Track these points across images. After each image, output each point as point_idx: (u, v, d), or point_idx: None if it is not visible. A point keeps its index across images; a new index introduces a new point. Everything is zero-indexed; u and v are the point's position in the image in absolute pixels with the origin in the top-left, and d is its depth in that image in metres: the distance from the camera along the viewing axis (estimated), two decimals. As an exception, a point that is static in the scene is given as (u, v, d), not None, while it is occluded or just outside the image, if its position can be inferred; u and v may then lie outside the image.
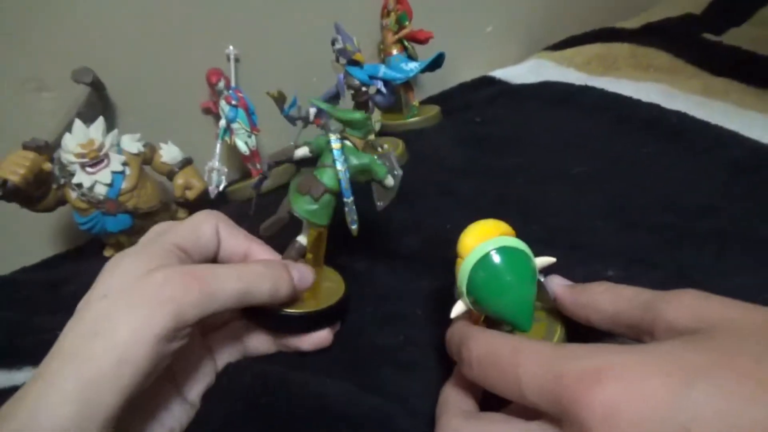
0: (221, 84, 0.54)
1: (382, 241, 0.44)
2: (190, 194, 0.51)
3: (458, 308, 0.27)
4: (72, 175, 0.44)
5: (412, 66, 0.61)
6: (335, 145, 0.31)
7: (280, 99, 0.52)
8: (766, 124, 0.51)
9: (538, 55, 0.76)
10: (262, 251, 0.32)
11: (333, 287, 0.34)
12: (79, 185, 0.44)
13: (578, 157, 0.49)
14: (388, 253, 0.42)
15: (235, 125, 0.54)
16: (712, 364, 0.18)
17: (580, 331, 0.28)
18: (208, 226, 0.31)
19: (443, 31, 0.70)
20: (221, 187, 0.55)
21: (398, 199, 0.49)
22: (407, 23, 0.61)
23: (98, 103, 0.53)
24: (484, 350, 0.24)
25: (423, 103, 0.68)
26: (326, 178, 0.32)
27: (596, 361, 0.20)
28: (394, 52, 0.62)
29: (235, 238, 0.32)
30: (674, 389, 0.18)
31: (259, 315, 0.31)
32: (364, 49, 0.66)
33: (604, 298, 0.26)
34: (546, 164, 0.49)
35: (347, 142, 0.32)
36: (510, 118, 0.58)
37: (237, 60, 0.58)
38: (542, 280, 0.29)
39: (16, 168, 0.41)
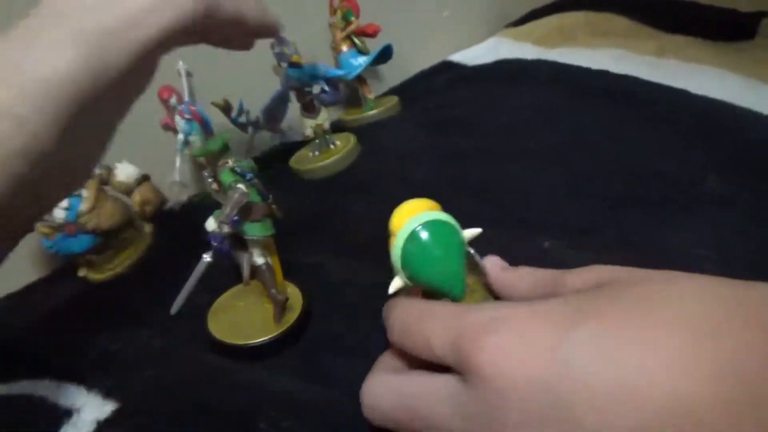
0: (173, 99, 0.54)
1: (335, 234, 0.44)
2: (148, 209, 0.52)
3: (395, 284, 0.28)
4: None
5: (361, 61, 0.61)
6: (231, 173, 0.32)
7: (225, 107, 0.53)
8: (719, 78, 0.51)
9: (498, 33, 0.76)
10: None
11: (292, 305, 0.35)
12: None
13: (533, 132, 0.49)
14: (341, 245, 0.42)
15: (192, 138, 0.54)
16: (593, 310, 0.20)
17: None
18: None
19: (399, 21, 0.70)
20: (183, 199, 0.55)
21: (353, 191, 0.49)
22: (353, 19, 0.61)
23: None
24: (401, 315, 0.25)
25: (384, 94, 0.68)
26: (253, 196, 0.33)
27: (490, 313, 0.21)
28: (344, 48, 0.61)
29: None
30: (557, 332, 0.19)
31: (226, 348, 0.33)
32: (318, 50, 0.66)
33: (523, 281, 0.28)
34: (501, 143, 0.49)
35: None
36: (467, 101, 0.58)
37: (189, 74, 0.58)
38: (472, 252, 0.30)
39: None
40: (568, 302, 0.21)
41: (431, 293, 0.28)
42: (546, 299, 0.22)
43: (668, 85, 0.50)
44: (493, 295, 0.30)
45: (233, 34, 0.33)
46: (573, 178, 0.42)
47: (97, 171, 0.49)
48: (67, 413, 0.31)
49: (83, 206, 0.46)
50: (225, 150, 0.33)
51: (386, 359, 0.27)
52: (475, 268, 0.31)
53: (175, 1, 0.26)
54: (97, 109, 0.24)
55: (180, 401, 0.30)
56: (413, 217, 0.27)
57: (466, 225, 0.29)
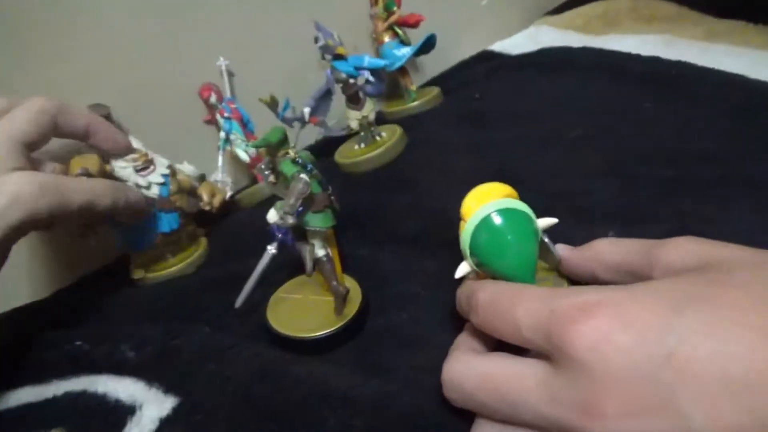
0: (213, 98, 0.55)
1: (383, 227, 0.44)
2: (216, 201, 0.52)
3: (463, 269, 0.28)
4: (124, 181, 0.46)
5: (405, 51, 0.61)
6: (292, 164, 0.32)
7: (272, 104, 0.53)
8: (772, 61, 0.49)
9: (538, 21, 0.75)
10: (101, 124, 0.41)
11: (351, 297, 0.35)
12: (137, 186, 0.45)
13: (576, 120, 0.48)
14: (390, 237, 0.42)
15: (232, 136, 0.55)
16: (701, 295, 0.19)
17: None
18: (44, 117, 0.36)
19: (437, 11, 0.70)
20: (227, 197, 0.56)
21: (398, 184, 0.49)
22: (395, 8, 0.60)
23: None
24: (489, 296, 0.25)
25: (424, 85, 0.68)
26: (314, 187, 0.33)
27: (586, 296, 0.20)
28: (386, 39, 0.61)
29: (72, 116, 0.38)
30: (662, 316, 0.18)
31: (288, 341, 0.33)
32: (359, 41, 0.66)
33: (607, 250, 0.27)
34: (544, 131, 0.48)
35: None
36: (508, 90, 0.57)
37: (230, 72, 0.58)
38: (546, 241, 0.30)
39: (88, 164, 0.43)
40: (672, 285, 0.20)
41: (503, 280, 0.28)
42: (645, 283, 0.21)
43: (720, 69, 0.48)
44: (566, 278, 0.30)
45: (82, 219, 0.41)
46: (616, 163, 0.41)
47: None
48: (130, 410, 0.31)
49: (172, 186, 0.47)
50: (284, 141, 0.33)
51: (466, 339, 0.27)
52: (546, 257, 0.30)
53: (22, 202, 0.31)
54: None
55: (241, 396, 0.30)
56: (487, 204, 0.27)
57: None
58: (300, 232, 0.33)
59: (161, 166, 0.47)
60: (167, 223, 0.45)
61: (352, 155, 0.54)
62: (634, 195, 0.38)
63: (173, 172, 0.47)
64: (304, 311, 0.35)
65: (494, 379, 0.22)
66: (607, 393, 0.18)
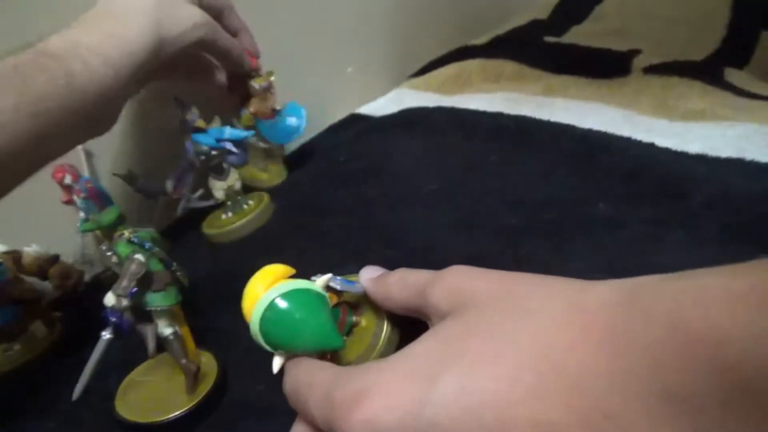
0: (67, 179, 0.53)
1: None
2: (69, 282, 0.50)
3: (276, 363, 0.28)
4: None
5: (298, 122, 0.60)
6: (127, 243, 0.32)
7: (129, 177, 0.52)
8: (600, 112, 0.55)
9: (402, 84, 0.79)
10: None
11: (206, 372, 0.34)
12: None
13: (431, 176, 0.51)
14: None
15: (91, 216, 0.53)
16: (452, 353, 0.20)
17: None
18: None
19: (307, 78, 0.72)
20: (86, 278, 0.54)
21: (266, 251, 0.50)
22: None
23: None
24: (291, 385, 0.26)
25: (295, 152, 0.69)
26: (153, 265, 0.32)
27: (358, 383, 0.21)
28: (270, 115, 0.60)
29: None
30: (419, 389, 0.20)
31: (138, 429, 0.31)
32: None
33: (395, 288, 0.28)
34: (403, 188, 0.51)
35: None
36: (372, 151, 0.60)
37: (88, 153, 0.57)
38: (338, 287, 0.30)
39: None
40: (430, 347, 0.22)
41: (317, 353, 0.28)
42: (404, 351, 0.22)
43: (555, 121, 0.53)
44: (387, 315, 0.30)
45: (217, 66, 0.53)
46: (467, 215, 0.44)
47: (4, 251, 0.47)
48: None
49: (8, 276, 0.44)
50: (119, 221, 0.33)
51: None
52: (346, 296, 0.31)
53: (201, 25, 0.45)
54: (140, 78, 0.41)
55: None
56: (258, 300, 0.27)
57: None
58: (145, 313, 0.32)
59: None
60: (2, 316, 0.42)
61: (219, 225, 0.54)
62: (481, 243, 0.40)
63: (15, 258, 0.45)
64: (156, 393, 0.34)
65: None
66: None
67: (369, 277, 0.30)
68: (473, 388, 0.19)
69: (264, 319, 0.26)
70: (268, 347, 0.27)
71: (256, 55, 0.56)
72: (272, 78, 0.57)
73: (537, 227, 0.41)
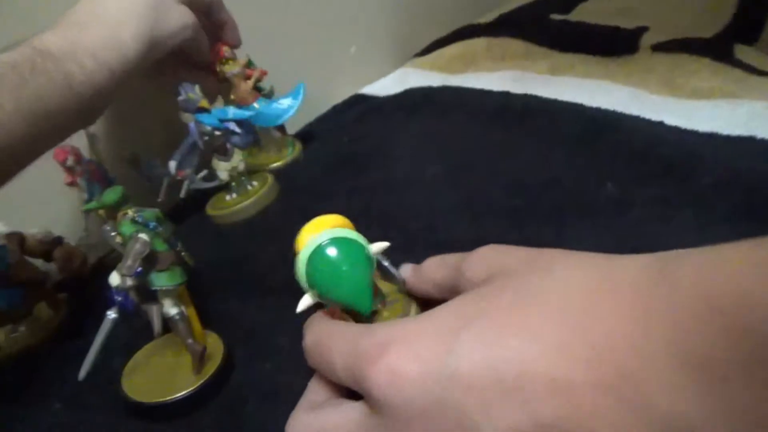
0: (70, 160, 0.53)
1: (252, 278, 0.44)
2: (75, 265, 0.50)
3: (304, 302, 0.28)
4: None
5: (289, 102, 0.60)
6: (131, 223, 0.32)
7: (133, 160, 0.52)
8: (607, 90, 0.54)
9: (406, 64, 0.78)
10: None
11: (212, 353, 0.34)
12: None
13: (434, 158, 0.50)
14: (259, 288, 0.42)
15: (96, 196, 0.53)
16: (477, 311, 0.21)
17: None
18: None
19: (310, 59, 0.72)
20: (91, 259, 0.54)
21: (269, 233, 0.49)
22: (254, 66, 0.60)
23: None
24: (313, 338, 0.26)
25: (299, 132, 0.69)
26: (157, 245, 0.32)
27: (382, 335, 0.22)
28: (250, 100, 0.59)
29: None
30: (443, 343, 0.20)
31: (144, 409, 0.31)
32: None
33: (432, 270, 0.29)
34: (404, 171, 0.50)
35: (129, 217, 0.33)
36: (376, 132, 0.59)
37: (91, 134, 0.57)
38: (386, 264, 0.31)
39: None
40: (455, 308, 0.22)
41: (345, 309, 0.29)
42: (431, 312, 0.23)
43: (563, 99, 0.53)
44: (417, 301, 0.31)
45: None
46: (469, 198, 0.43)
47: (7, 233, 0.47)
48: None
49: (11, 258, 0.44)
50: (123, 201, 0.33)
51: (308, 394, 0.27)
52: (391, 280, 0.31)
53: (190, 25, 0.47)
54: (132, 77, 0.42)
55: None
56: (317, 235, 0.27)
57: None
58: (151, 293, 0.32)
59: None
60: (5, 299, 0.42)
61: (223, 206, 0.53)
62: (484, 226, 0.40)
63: (19, 240, 0.45)
64: (162, 374, 0.34)
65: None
66: (407, 423, 0.20)
67: (407, 269, 0.31)
68: (495, 342, 0.19)
69: (315, 254, 0.26)
70: (305, 284, 0.27)
71: (236, 47, 0.58)
72: (245, 63, 0.58)
73: (541, 209, 0.40)
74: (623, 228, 0.36)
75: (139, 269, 0.30)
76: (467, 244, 0.39)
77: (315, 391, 0.27)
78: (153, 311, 0.32)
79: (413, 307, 0.30)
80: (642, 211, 0.37)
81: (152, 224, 0.32)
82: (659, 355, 0.16)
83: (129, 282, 0.29)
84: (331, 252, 0.26)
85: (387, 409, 0.20)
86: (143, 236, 0.30)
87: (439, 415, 0.19)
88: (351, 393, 0.25)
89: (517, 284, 0.22)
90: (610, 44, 0.64)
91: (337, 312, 0.29)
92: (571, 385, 0.17)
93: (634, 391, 0.17)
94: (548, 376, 0.18)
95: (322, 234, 0.27)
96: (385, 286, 0.32)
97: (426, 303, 0.30)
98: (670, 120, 0.46)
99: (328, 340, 0.25)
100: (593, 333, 0.18)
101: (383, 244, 0.29)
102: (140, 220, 0.31)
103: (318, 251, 0.26)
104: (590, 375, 0.17)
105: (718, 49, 0.59)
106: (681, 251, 0.19)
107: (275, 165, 0.60)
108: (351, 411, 0.23)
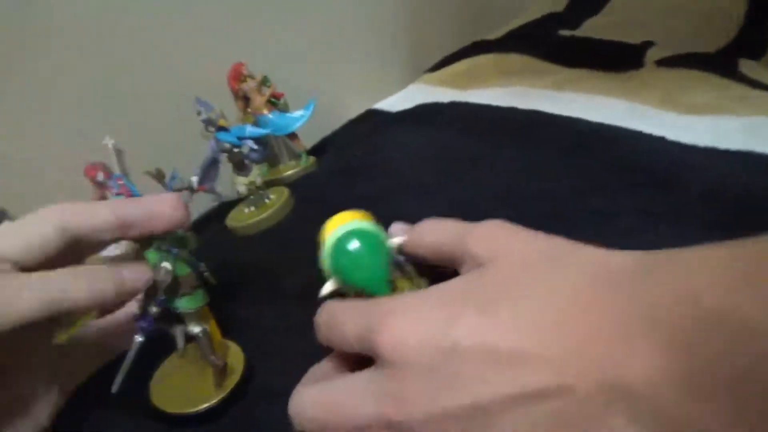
0: (100, 176, 0.56)
1: (268, 286, 0.46)
2: None
3: (326, 288, 0.30)
4: None
5: (299, 113, 0.63)
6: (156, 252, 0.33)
7: (158, 176, 0.55)
8: (610, 104, 0.56)
9: (417, 80, 0.81)
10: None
11: (233, 365, 0.36)
12: None
13: (438, 168, 0.52)
14: (275, 295, 0.44)
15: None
16: (483, 291, 0.24)
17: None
18: (45, 227, 0.29)
19: (327, 75, 0.75)
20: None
21: (285, 243, 0.52)
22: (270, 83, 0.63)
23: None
24: (326, 314, 0.28)
25: (315, 146, 0.71)
26: (179, 270, 0.33)
27: (392, 303, 0.25)
28: (265, 112, 0.63)
29: (94, 220, 0.30)
30: (448, 315, 0.23)
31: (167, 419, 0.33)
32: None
33: (429, 231, 0.30)
34: (405, 182, 0.52)
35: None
36: (386, 146, 0.62)
37: (118, 150, 0.59)
38: (402, 260, 0.32)
39: None
40: (460, 286, 0.25)
41: (362, 295, 0.30)
42: (438, 286, 0.25)
43: (566, 115, 0.54)
44: (425, 274, 0.32)
45: None
46: (466, 207, 0.45)
47: None
48: None
49: None
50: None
51: (313, 368, 0.29)
52: (407, 273, 0.32)
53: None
54: None
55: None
56: (341, 226, 0.30)
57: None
58: (175, 314, 0.34)
59: None
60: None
61: (242, 219, 0.56)
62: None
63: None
64: (187, 385, 0.35)
65: (330, 402, 0.25)
66: (408, 382, 0.22)
67: (401, 228, 0.32)
68: (494, 322, 0.22)
69: (339, 241, 0.29)
70: (329, 269, 0.30)
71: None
72: (261, 80, 0.62)
73: (531, 218, 0.42)
74: (612, 238, 0.38)
75: (163, 298, 0.32)
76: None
77: (318, 367, 0.29)
78: (177, 331, 0.34)
79: (422, 283, 0.32)
80: (629, 221, 0.38)
81: (175, 250, 0.33)
82: (642, 342, 0.19)
83: (153, 310, 0.32)
84: (354, 240, 0.29)
85: (391, 369, 0.23)
86: (166, 265, 0.32)
87: (436, 379, 0.21)
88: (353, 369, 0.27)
89: (521, 270, 0.24)
90: (615, 59, 0.66)
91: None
92: (562, 369, 0.20)
93: (612, 376, 0.19)
94: (541, 356, 0.20)
95: (347, 224, 0.30)
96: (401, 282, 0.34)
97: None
98: (671, 135, 0.48)
99: (342, 313, 0.27)
100: (588, 320, 0.20)
101: (400, 239, 0.31)
102: (164, 247, 0.33)
103: (343, 239, 0.29)
104: (582, 359, 0.20)
105: (723, 63, 0.61)
106: (671, 251, 0.21)
107: (289, 173, 0.63)
108: (361, 375, 0.25)
